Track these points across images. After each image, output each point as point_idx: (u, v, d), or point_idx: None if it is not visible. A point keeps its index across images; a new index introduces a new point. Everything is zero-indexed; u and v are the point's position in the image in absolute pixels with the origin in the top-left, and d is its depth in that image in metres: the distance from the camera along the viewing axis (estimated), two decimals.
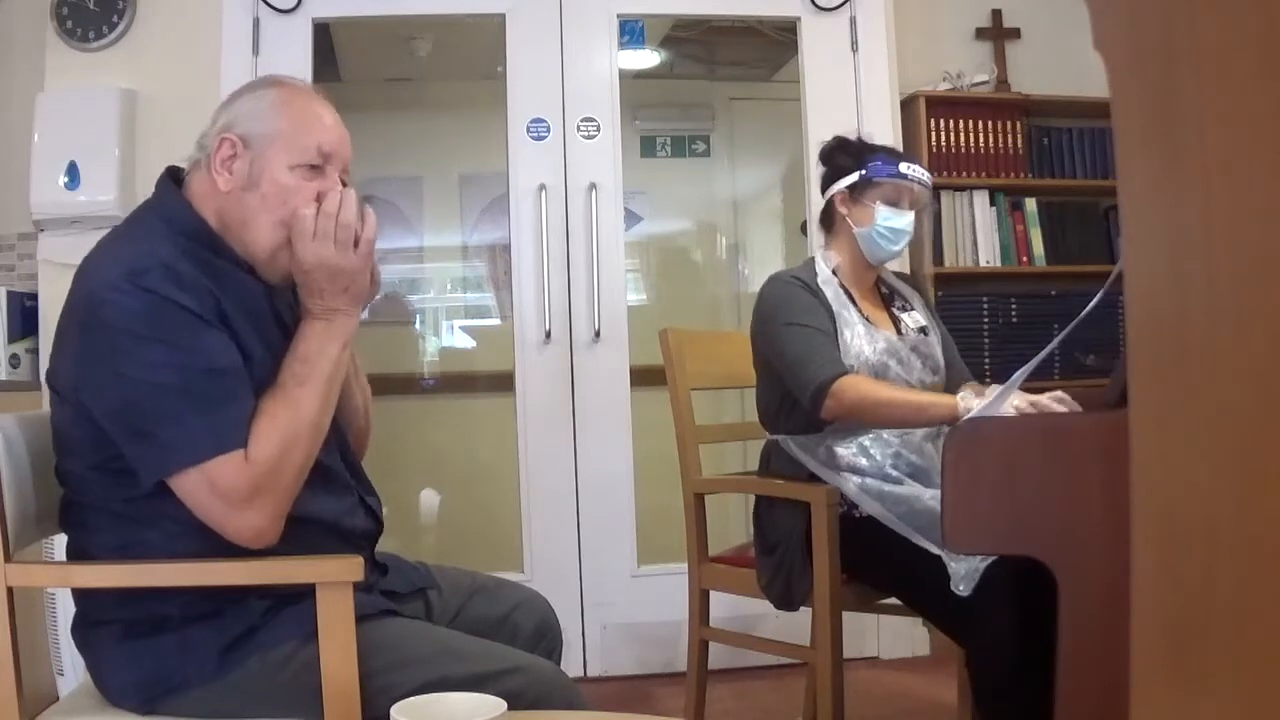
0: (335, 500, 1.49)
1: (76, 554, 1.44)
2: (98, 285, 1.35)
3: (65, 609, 2.61)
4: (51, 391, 1.43)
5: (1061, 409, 1.85)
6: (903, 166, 2.25)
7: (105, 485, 1.38)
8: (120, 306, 1.32)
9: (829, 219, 2.34)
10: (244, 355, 1.38)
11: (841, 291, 2.26)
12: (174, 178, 1.51)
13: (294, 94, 1.49)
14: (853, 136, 2.36)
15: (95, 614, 1.41)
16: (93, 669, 1.44)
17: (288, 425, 1.35)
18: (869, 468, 2.13)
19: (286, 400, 1.37)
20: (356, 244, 1.43)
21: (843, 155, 2.31)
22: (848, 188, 2.28)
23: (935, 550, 1.91)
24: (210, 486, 1.31)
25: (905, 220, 2.25)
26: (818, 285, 2.24)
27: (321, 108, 1.50)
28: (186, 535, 1.36)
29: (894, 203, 2.24)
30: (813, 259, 2.33)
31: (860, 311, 2.26)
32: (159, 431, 1.31)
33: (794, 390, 2.15)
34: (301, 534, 1.40)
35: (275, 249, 1.44)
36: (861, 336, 2.20)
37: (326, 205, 1.42)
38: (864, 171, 2.26)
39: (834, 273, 2.28)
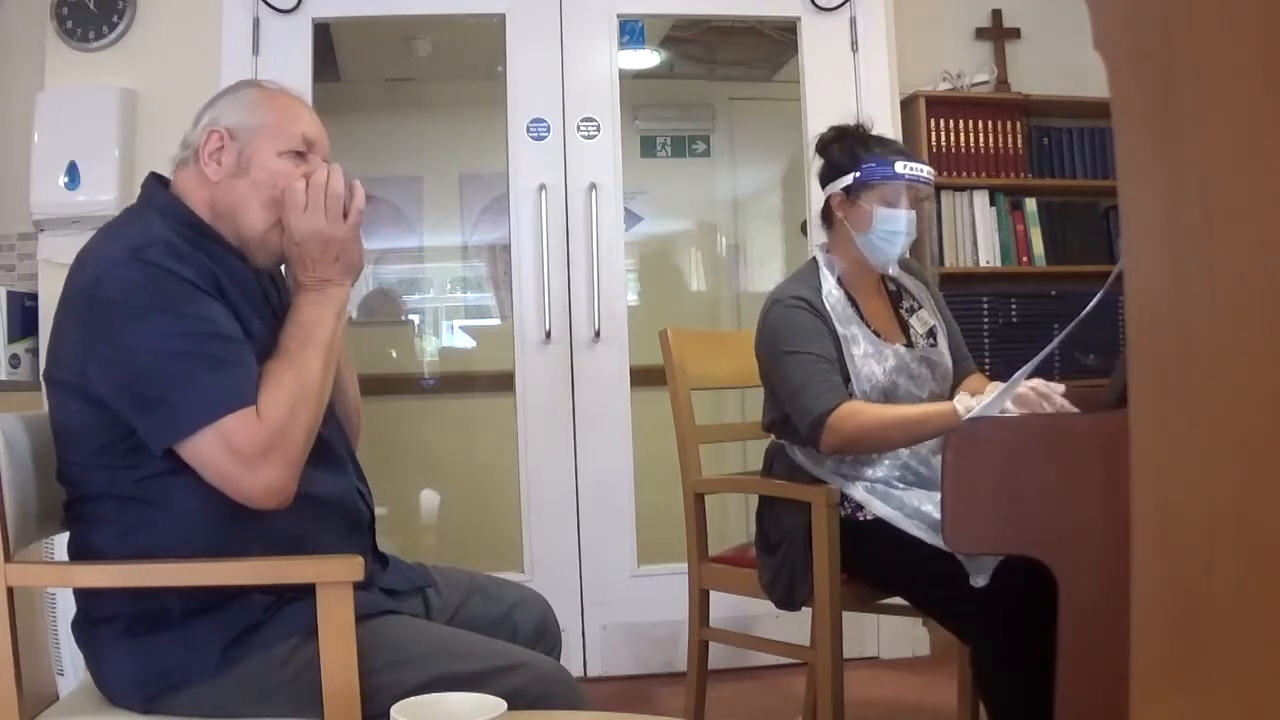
0: (335, 479, 1.51)
1: (80, 550, 1.44)
2: (98, 266, 1.38)
3: (65, 608, 2.61)
4: (50, 386, 1.43)
5: (1049, 408, 1.85)
6: (898, 166, 2.15)
7: (110, 472, 1.38)
8: (123, 280, 1.35)
9: (829, 217, 2.26)
10: (244, 331, 1.41)
11: (848, 303, 2.19)
12: (159, 182, 1.56)
13: (273, 91, 1.57)
14: (852, 123, 2.26)
15: (97, 610, 1.41)
16: (93, 666, 1.44)
17: (294, 385, 1.38)
18: (875, 476, 2.11)
19: (290, 362, 1.40)
20: (346, 215, 1.48)
21: (839, 151, 2.22)
22: (843, 190, 2.19)
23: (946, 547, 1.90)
24: (225, 444, 1.32)
25: (904, 221, 2.16)
26: (821, 302, 2.15)
27: (299, 103, 1.57)
28: (195, 514, 1.37)
29: (892, 204, 2.15)
30: (815, 264, 2.25)
31: (868, 325, 2.19)
32: (171, 395, 1.32)
33: (795, 421, 2.12)
34: (307, 510, 1.42)
35: (267, 230, 1.49)
36: (870, 356, 2.13)
37: (315, 178, 1.48)
38: (858, 174, 2.16)
39: (839, 281, 2.21)
